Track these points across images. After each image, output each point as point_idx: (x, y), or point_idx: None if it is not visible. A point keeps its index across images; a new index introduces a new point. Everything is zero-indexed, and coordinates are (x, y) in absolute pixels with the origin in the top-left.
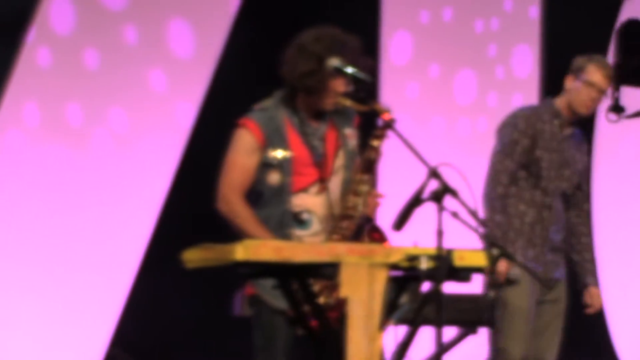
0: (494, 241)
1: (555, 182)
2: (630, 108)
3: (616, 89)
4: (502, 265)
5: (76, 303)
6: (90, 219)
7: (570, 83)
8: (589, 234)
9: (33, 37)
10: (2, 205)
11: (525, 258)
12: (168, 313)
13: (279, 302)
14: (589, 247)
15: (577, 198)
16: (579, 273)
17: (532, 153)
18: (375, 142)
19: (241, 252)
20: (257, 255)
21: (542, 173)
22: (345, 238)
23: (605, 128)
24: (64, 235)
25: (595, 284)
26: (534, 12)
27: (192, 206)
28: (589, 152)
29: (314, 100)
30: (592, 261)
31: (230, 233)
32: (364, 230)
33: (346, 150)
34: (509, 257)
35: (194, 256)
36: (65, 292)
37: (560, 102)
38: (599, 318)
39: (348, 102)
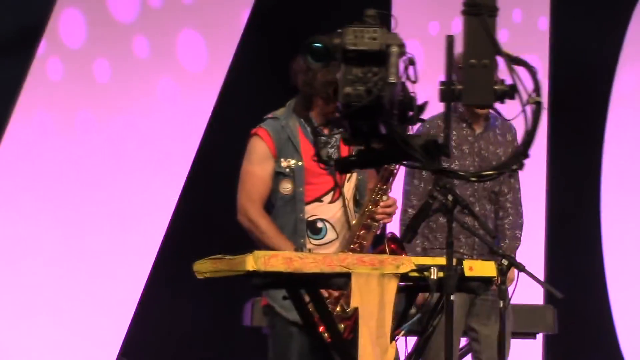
0: (504, 252)
1: (472, 187)
2: None
3: None
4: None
5: (85, 311)
6: (101, 230)
7: None
8: (500, 220)
9: (44, 48)
10: (15, 214)
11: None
12: (178, 323)
13: (292, 314)
14: (500, 232)
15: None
16: None
17: None
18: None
19: (252, 263)
20: (267, 266)
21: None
22: (364, 248)
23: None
24: (75, 245)
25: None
26: (544, 23)
27: (203, 215)
28: (515, 139)
29: (332, 109)
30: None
31: (242, 241)
32: (383, 240)
33: None
34: (518, 268)
35: (204, 267)
36: (74, 301)
37: (464, 106)
38: (606, 320)
39: None
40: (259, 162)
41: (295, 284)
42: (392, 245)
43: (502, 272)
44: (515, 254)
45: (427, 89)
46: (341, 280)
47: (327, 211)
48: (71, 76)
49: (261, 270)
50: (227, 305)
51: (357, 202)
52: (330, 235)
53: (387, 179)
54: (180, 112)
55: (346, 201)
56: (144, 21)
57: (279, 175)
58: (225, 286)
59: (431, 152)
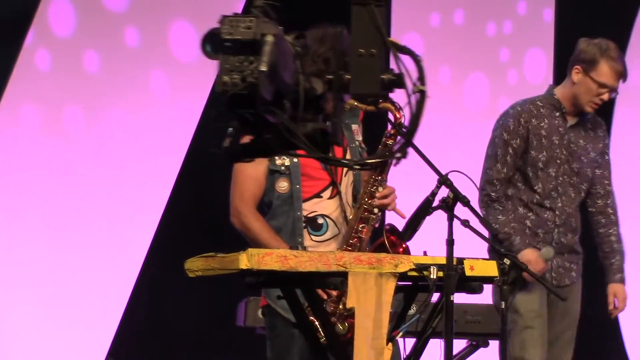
0: (506, 250)
1: (556, 180)
2: None
3: None
4: (539, 265)
5: (74, 311)
6: (90, 227)
7: (577, 76)
8: (605, 228)
9: (32, 38)
10: (1, 207)
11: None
12: (167, 323)
13: (291, 314)
14: (606, 242)
15: (592, 193)
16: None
17: (526, 154)
18: (389, 141)
19: (245, 261)
20: (261, 264)
21: (538, 173)
22: (363, 242)
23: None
24: (62, 243)
25: (615, 280)
26: (549, 15)
27: (195, 212)
28: (606, 135)
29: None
30: (610, 257)
31: (236, 240)
32: (382, 232)
33: (353, 148)
34: (520, 267)
35: (196, 265)
36: (62, 301)
37: (562, 92)
38: (611, 322)
39: (356, 103)
40: (253, 161)
41: (290, 283)
42: (392, 237)
43: (504, 272)
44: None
45: (428, 78)
46: (337, 280)
47: (327, 207)
48: (60, 67)
49: (255, 269)
50: (220, 305)
51: (355, 198)
52: (332, 231)
53: (381, 169)
54: (172, 105)
55: (343, 197)
56: (135, 11)
57: (274, 173)
58: (217, 285)
59: (318, 141)
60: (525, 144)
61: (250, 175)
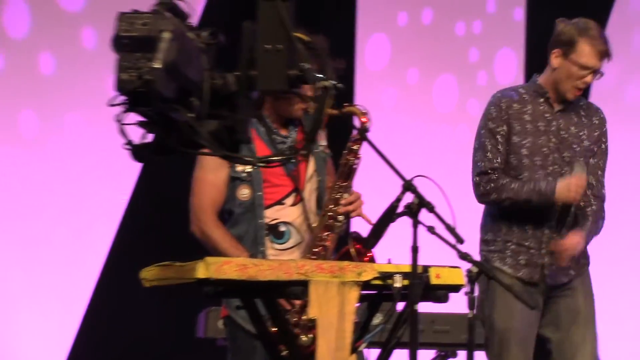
0: (472, 257)
1: (544, 170)
2: None
3: None
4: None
5: (32, 318)
6: (47, 231)
7: (556, 60)
8: (586, 219)
9: None
10: None
11: (517, 264)
12: (126, 333)
13: (251, 325)
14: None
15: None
16: None
17: (510, 141)
18: (354, 146)
19: (203, 270)
20: (220, 273)
21: (523, 161)
22: (327, 250)
23: None
24: (19, 251)
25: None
26: (519, 14)
27: (154, 216)
28: (603, 122)
29: (283, 106)
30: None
31: (196, 247)
32: (348, 240)
33: (317, 153)
34: (488, 274)
35: (151, 274)
36: (20, 308)
37: (545, 79)
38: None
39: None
40: (211, 169)
41: (250, 292)
42: (357, 245)
43: (471, 279)
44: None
45: (395, 80)
46: (298, 289)
47: (290, 214)
48: (14, 69)
49: (213, 278)
50: (181, 315)
51: (319, 205)
52: (295, 239)
53: (346, 175)
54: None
55: (307, 204)
56: (91, 11)
57: (235, 180)
58: (177, 295)
59: (222, 139)
60: (508, 129)
61: (210, 182)
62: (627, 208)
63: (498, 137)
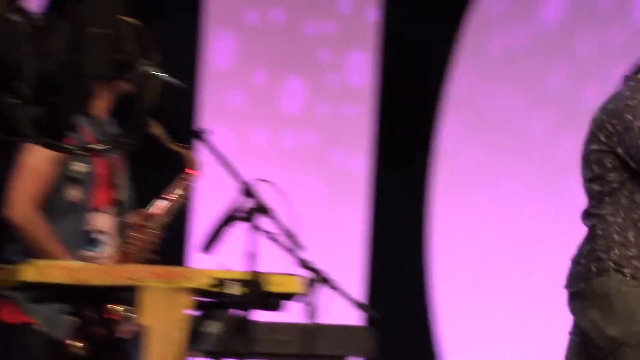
0: (311, 265)
1: None
2: None
3: None
4: None
5: None
6: None
7: None
8: None
9: None
10: None
11: None
12: None
13: (57, 330)
14: None
15: None
16: None
17: None
18: (181, 191)
19: (32, 273)
20: (47, 277)
21: None
22: (137, 254)
23: None
24: None
25: None
26: (373, 14)
27: None
28: None
29: (112, 94)
30: None
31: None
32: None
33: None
34: (327, 283)
35: None
36: None
37: None
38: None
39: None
40: (47, 161)
41: (79, 297)
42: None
43: (310, 287)
44: None
45: (244, 79)
46: (129, 295)
47: (107, 222)
48: None
49: (38, 282)
50: None
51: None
52: (108, 247)
53: (174, 213)
54: None
55: (120, 211)
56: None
57: (68, 180)
58: None
59: (45, 126)
60: None
61: (43, 174)
62: None
63: None
